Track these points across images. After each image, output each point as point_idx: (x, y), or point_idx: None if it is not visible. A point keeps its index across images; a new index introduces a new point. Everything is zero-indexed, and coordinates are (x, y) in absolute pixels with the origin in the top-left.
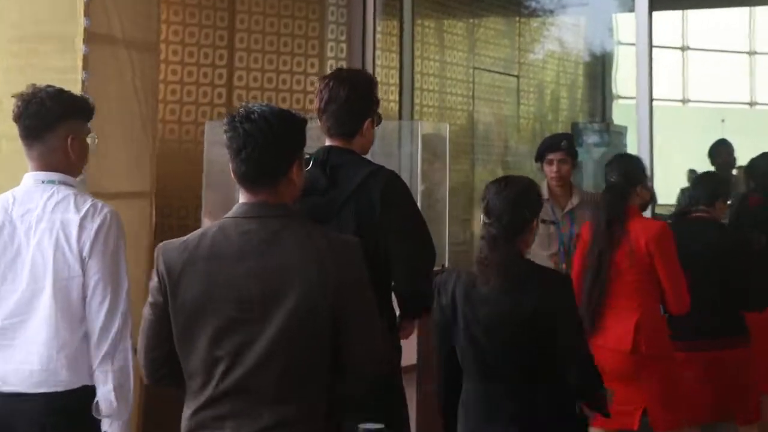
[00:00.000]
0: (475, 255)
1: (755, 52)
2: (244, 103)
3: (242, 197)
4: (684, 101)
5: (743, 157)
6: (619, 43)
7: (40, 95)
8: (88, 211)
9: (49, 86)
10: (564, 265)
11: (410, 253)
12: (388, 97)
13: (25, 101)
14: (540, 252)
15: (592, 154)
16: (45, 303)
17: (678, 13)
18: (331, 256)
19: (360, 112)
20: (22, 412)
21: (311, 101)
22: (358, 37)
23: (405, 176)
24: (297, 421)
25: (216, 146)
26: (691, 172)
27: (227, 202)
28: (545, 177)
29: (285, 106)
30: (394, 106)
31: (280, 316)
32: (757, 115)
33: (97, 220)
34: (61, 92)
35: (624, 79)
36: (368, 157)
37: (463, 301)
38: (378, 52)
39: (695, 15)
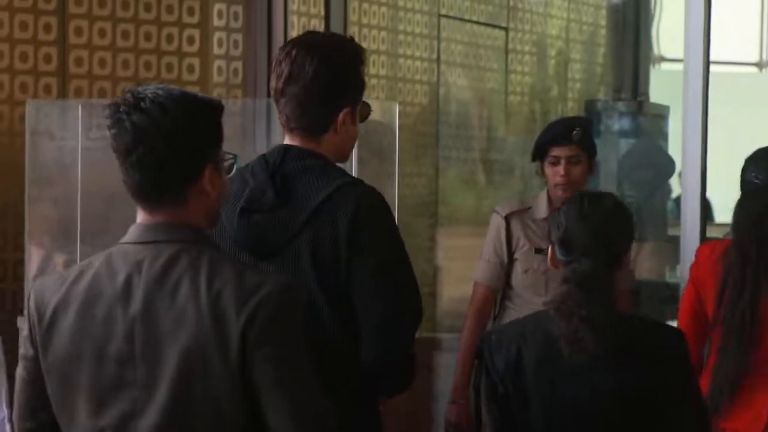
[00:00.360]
0: (549, 303)
1: None
2: (133, 88)
3: (139, 216)
4: (761, 65)
5: None
6: None
7: None
8: None
9: None
10: None
11: (388, 314)
12: None
13: None
14: (532, 297)
15: (615, 147)
16: None
17: None
18: (238, 304)
19: (334, 98)
20: None
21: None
22: None
23: None
24: None
25: (44, 138)
26: None
27: (67, 225)
28: (545, 183)
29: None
30: None
31: (166, 382)
32: None
33: None
34: None
35: (670, 33)
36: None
37: (535, 373)
38: None
39: None
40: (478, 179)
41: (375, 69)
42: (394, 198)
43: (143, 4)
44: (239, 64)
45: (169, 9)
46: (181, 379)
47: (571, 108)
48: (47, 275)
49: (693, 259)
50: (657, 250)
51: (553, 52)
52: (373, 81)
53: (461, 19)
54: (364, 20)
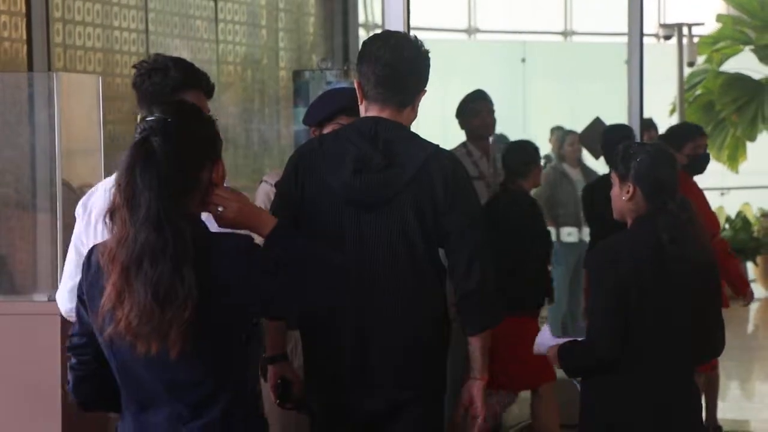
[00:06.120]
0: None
1: None
2: None
3: None
4: (470, 31)
5: (554, 116)
6: None
7: (164, 62)
8: None
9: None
10: None
11: (480, 250)
12: (11, 34)
13: (148, 69)
14: None
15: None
16: None
17: None
18: None
19: (419, 81)
20: None
21: None
22: None
23: (43, 166)
24: None
25: None
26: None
27: None
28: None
29: None
30: (21, 49)
31: None
32: (572, 50)
33: None
34: (184, 61)
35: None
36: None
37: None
38: None
39: None
40: None
41: (84, 41)
42: (100, 167)
43: None
44: None
45: None
46: None
47: (282, 77)
48: None
49: None
50: None
51: (263, 22)
52: (84, 54)
53: None
54: None
